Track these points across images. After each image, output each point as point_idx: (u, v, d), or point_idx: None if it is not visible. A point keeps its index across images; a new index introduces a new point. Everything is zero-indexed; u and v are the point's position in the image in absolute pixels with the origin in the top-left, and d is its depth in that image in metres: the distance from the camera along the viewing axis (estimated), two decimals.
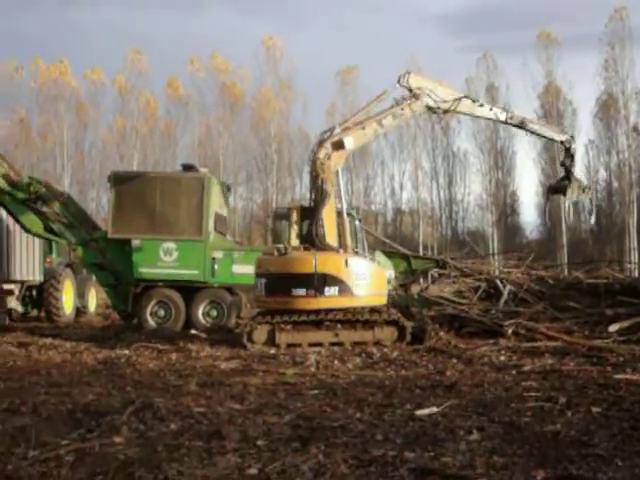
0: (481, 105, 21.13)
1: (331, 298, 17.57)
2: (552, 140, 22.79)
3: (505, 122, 21.60)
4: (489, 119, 22.38)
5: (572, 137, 22.20)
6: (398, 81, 19.64)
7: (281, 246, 18.31)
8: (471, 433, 8.45)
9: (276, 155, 73.88)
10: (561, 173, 23.33)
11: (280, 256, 18.07)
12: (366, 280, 17.93)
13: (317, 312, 17.54)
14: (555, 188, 23.15)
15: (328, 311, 17.59)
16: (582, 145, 78.15)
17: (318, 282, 17.53)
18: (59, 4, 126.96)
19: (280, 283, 17.94)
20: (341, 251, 18.05)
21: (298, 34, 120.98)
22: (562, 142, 21.62)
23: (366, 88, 74.69)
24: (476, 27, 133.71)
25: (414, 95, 19.58)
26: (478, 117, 21.80)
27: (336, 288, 17.56)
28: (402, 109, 19.65)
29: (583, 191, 21.77)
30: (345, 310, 17.69)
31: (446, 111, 20.19)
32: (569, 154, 21.81)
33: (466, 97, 20.70)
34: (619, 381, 11.97)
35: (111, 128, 78.49)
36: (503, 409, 9.82)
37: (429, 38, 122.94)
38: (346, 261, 17.74)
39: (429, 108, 20.01)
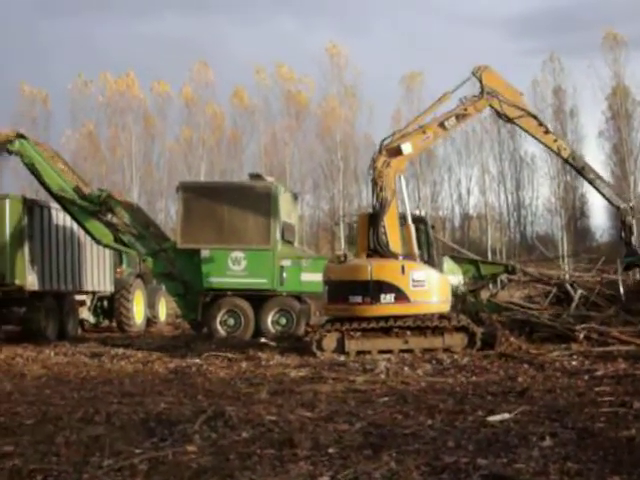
0: (546, 132, 20.34)
1: (387, 305, 17.60)
2: (609, 202, 20.83)
3: (565, 160, 20.66)
4: (549, 148, 21.16)
5: (632, 208, 20.38)
6: (473, 72, 19.47)
7: (341, 253, 18.41)
8: (544, 439, 8.36)
9: (342, 162, 73.84)
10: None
11: (340, 264, 18.16)
12: (425, 287, 17.87)
13: (382, 319, 17.54)
14: (626, 266, 21.24)
15: (391, 318, 17.57)
16: None
17: (374, 289, 17.57)
18: (128, 17, 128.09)
19: (339, 290, 18.07)
20: (401, 258, 18.03)
21: (361, 41, 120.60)
22: (618, 208, 20.19)
23: (431, 93, 74.49)
24: (541, 29, 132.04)
25: (481, 92, 19.39)
26: (538, 141, 20.68)
27: (392, 295, 17.57)
28: (465, 109, 19.47)
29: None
30: (414, 317, 17.65)
31: (509, 120, 19.85)
32: (625, 225, 20.04)
33: (534, 117, 20.22)
34: None
35: (178, 139, 79.10)
36: (576, 415, 9.72)
37: (493, 42, 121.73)
38: (402, 268, 17.72)
39: (494, 110, 19.79)
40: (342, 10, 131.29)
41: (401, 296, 17.65)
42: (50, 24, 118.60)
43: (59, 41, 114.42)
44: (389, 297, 17.63)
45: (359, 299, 17.73)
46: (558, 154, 20.67)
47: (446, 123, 19.40)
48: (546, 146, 20.97)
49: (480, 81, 19.44)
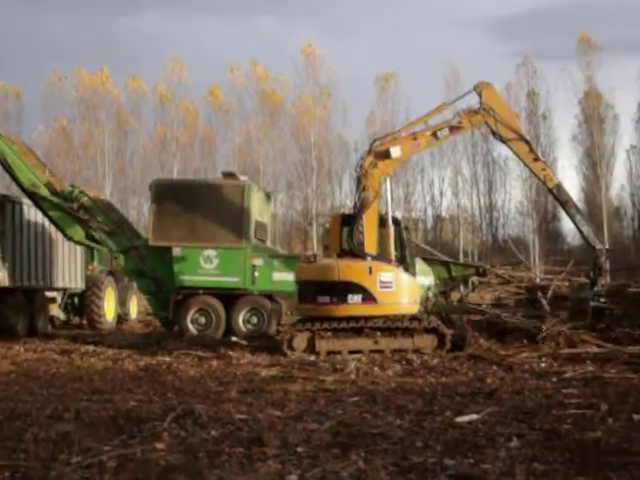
0: (536, 159, 20.36)
1: (354, 306, 17.69)
2: (585, 240, 20.77)
3: (550, 190, 20.56)
4: (536, 176, 21.33)
5: (607, 250, 20.72)
6: (474, 88, 19.57)
7: (311, 253, 18.49)
8: (511, 440, 8.43)
9: (316, 162, 73.80)
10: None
11: (309, 264, 18.24)
12: (392, 289, 17.95)
13: (353, 319, 17.61)
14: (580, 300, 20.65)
15: (358, 318, 17.65)
16: (624, 151, 77.63)
17: (341, 290, 17.65)
18: (102, 15, 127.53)
19: (308, 290, 18.15)
20: (369, 259, 18.12)
21: (338, 41, 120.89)
22: (594, 248, 20.18)
23: (406, 95, 74.81)
24: (517, 33, 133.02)
25: (479, 108, 19.48)
26: (526, 166, 20.62)
27: (359, 296, 17.65)
28: (460, 121, 19.55)
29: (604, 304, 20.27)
30: (383, 318, 17.73)
31: (502, 140, 19.89)
32: (597, 266, 20.08)
33: (527, 142, 20.22)
34: None
35: (152, 136, 78.88)
36: (544, 416, 9.80)
37: (470, 44, 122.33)
38: (370, 269, 17.80)
39: (489, 127, 19.82)
40: (321, 10, 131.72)
41: (368, 297, 17.73)
42: (27, 19, 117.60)
43: (35, 36, 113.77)
44: (356, 298, 17.71)
45: (327, 299, 17.82)
46: (544, 183, 20.56)
47: (439, 133, 19.51)
48: (533, 173, 21.07)
49: (480, 97, 19.54)
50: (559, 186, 20.18)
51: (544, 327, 18.29)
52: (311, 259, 18.54)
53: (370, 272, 17.81)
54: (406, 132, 19.68)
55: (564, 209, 20.42)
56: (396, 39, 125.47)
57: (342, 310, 17.75)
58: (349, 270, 17.82)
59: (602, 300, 19.28)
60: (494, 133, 19.75)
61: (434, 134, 19.47)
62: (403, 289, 18.29)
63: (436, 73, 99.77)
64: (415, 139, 19.34)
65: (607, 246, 20.66)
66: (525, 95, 76.57)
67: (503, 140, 19.81)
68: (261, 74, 77.88)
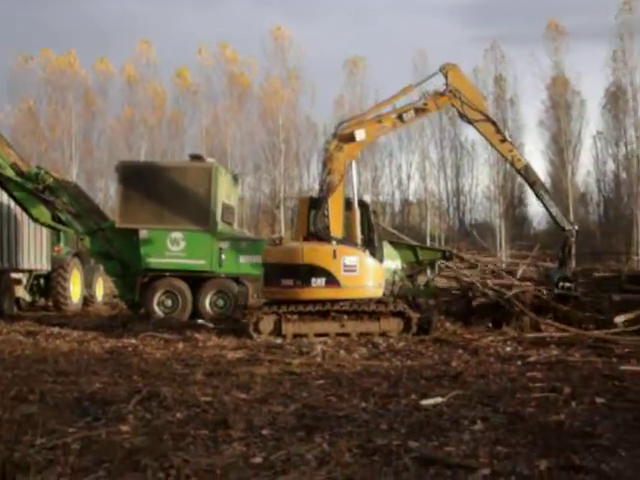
0: (503, 140, 20.16)
1: (318, 289, 17.72)
2: (554, 221, 20.74)
3: (518, 171, 20.57)
4: (504, 157, 21.24)
5: (577, 232, 20.32)
6: (440, 69, 19.53)
7: (277, 236, 18.49)
8: (475, 423, 8.49)
9: (284, 145, 73.72)
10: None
11: (275, 246, 18.26)
12: (356, 272, 17.98)
13: (314, 303, 17.66)
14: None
15: (322, 302, 17.69)
16: (590, 137, 78.17)
17: (305, 273, 17.68)
18: None
19: (274, 273, 18.16)
20: (334, 242, 18.13)
21: (308, 24, 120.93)
22: (563, 229, 20.04)
23: (374, 78, 74.90)
24: (485, 18, 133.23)
25: (445, 90, 19.45)
26: (493, 147, 20.60)
27: (323, 279, 17.69)
28: (426, 103, 19.52)
29: (569, 290, 20.32)
30: (351, 301, 17.78)
31: (468, 121, 19.88)
32: (566, 246, 20.04)
33: (494, 123, 20.20)
34: (624, 372, 12.03)
35: (119, 118, 78.49)
36: (508, 399, 9.86)
37: (439, 28, 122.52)
38: (334, 252, 17.82)
39: (455, 109, 19.81)
40: None
41: (332, 280, 17.76)
42: None
43: (1, 16, 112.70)
44: (320, 281, 17.74)
45: (291, 282, 17.84)
46: (512, 164, 20.54)
47: (404, 115, 19.45)
48: (501, 154, 21.00)
49: (446, 78, 19.50)
50: (527, 167, 20.16)
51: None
52: (277, 242, 18.54)
53: (334, 256, 17.82)
54: (372, 115, 19.66)
55: (532, 190, 20.38)
56: (365, 23, 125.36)
57: (306, 293, 17.78)
58: (313, 253, 17.84)
59: (567, 285, 19.36)
60: (460, 115, 19.75)
61: (399, 117, 19.43)
62: (367, 273, 18.31)
63: (404, 57, 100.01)
64: (380, 122, 19.32)
65: (576, 227, 20.60)
66: (493, 80, 76.93)
67: (470, 121, 19.78)
68: (230, 56, 77.69)
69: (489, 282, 20.03)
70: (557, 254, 20.54)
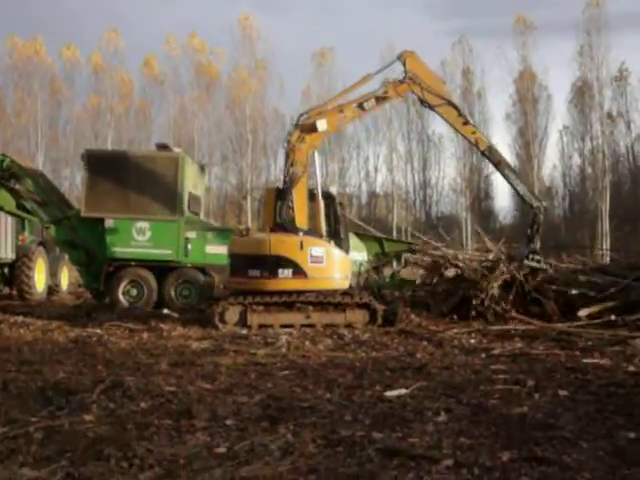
0: (465, 123, 20.38)
1: (285, 280, 17.72)
2: (522, 199, 20.99)
3: (482, 152, 20.62)
4: (467, 140, 21.23)
5: (545, 208, 20.74)
6: (398, 57, 19.58)
7: (244, 227, 18.47)
8: (439, 415, 8.52)
9: (251, 136, 73.51)
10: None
11: (242, 237, 18.23)
12: (323, 264, 18.00)
13: (280, 294, 17.66)
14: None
15: (286, 293, 17.71)
16: (556, 131, 78.71)
17: (272, 264, 17.67)
18: None
19: (240, 264, 18.12)
20: (301, 233, 18.12)
21: (276, 15, 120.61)
22: (532, 207, 20.27)
23: (342, 70, 74.95)
24: (454, 11, 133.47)
25: (404, 77, 19.50)
26: (456, 131, 20.70)
27: (290, 270, 17.70)
28: (386, 91, 19.55)
29: (538, 262, 20.50)
30: (317, 292, 17.79)
31: (430, 107, 19.92)
32: (535, 223, 20.25)
33: (455, 107, 20.30)
34: (586, 365, 12.11)
35: (86, 106, 77.96)
36: (471, 391, 9.90)
37: (407, 21, 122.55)
38: (301, 243, 17.82)
39: (416, 96, 19.85)
40: None
41: (299, 271, 17.76)
42: None
43: None
44: (287, 272, 17.74)
45: (257, 273, 17.82)
46: (476, 146, 20.60)
47: (365, 104, 19.46)
48: (464, 137, 21.03)
49: (404, 65, 19.54)
50: (491, 147, 20.33)
51: (474, 302, 18.53)
52: (244, 232, 18.50)
53: (301, 247, 17.83)
54: (333, 105, 19.64)
55: (498, 170, 20.45)
56: (334, 15, 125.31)
57: (273, 284, 17.77)
58: (280, 244, 17.82)
59: (537, 258, 19.51)
60: (421, 101, 19.80)
61: (360, 106, 19.44)
62: (334, 264, 18.35)
63: (372, 49, 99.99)
64: (342, 112, 19.31)
65: (544, 203, 20.77)
66: (460, 73, 77.08)
67: (431, 107, 19.87)
68: (197, 46, 77.38)
69: (459, 256, 20.23)
70: (526, 231, 20.64)
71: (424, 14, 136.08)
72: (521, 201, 21.65)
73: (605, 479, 6.30)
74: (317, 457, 6.89)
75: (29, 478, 6.32)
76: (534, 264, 19.41)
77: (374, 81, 19.81)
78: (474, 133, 20.35)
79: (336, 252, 18.50)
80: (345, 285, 18.67)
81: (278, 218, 18.60)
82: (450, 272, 20.18)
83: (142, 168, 23.25)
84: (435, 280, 20.52)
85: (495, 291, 18.77)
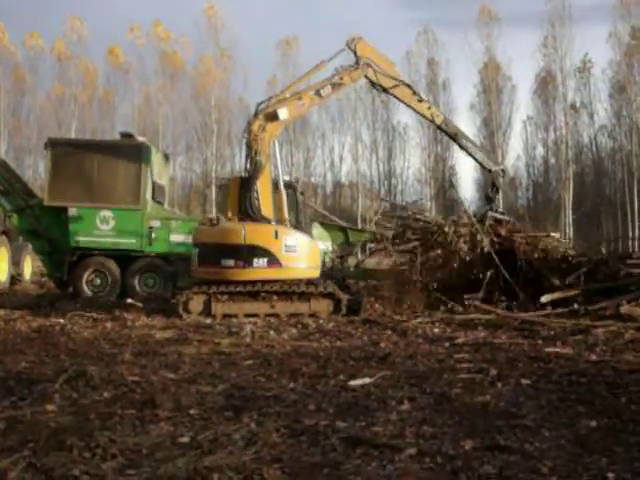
0: (420, 100, 20.87)
1: (259, 270, 17.68)
2: (481, 166, 21.88)
3: (439, 127, 21.13)
4: (423, 116, 21.74)
5: (503, 171, 21.73)
6: (347, 44, 19.67)
7: (214, 216, 18.40)
8: (402, 403, 8.53)
9: (216, 125, 73.43)
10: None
11: (212, 226, 18.13)
12: (296, 253, 18.02)
13: (250, 283, 17.62)
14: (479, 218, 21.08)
15: (262, 282, 17.67)
16: (520, 121, 79.22)
17: (246, 253, 17.63)
18: None
19: (211, 253, 18.04)
20: (273, 223, 18.11)
21: (240, 4, 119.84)
22: (490, 171, 21.16)
23: (307, 59, 74.73)
24: (419, 1, 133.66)
25: (357, 63, 19.60)
26: (413, 109, 21.01)
27: (265, 260, 17.66)
28: (341, 78, 19.65)
29: (502, 214, 21.04)
30: (281, 282, 17.78)
31: (384, 90, 20.11)
32: (494, 187, 21.14)
33: (408, 86, 20.57)
34: (549, 354, 12.16)
35: (49, 95, 77.51)
36: (435, 380, 9.92)
37: (372, 10, 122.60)
38: (276, 233, 17.82)
39: (369, 80, 20.02)
40: None
41: (273, 261, 17.73)
42: None
43: None
44: (261, 261, 17.69)
45: (231, 262, 17.73)
46: (432, 121, 20.99)
47: (322, 91, 19.51)
48: (420, 114, 21.41)
49: (355, 52, 19.64)
50: (445, 120, 21.13)
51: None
52: (214, 222, 18.39)
53: (276, 236, 17.81)
54: (290, 93, 19.66)
55: (456, 141, 21.12)
56: (298, 4, 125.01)
57: (248, 274, 17.72)
58: (255, 234, 17.77)
59: (500, 210, 20.05)
60: (374, 84, 20.04)
61: (317, 92, 19.52)
62: (306, 253, 18.37)
63: (337, 38, 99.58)
64: (300, 99, 19.36)
65: (502, 167, 21.40)
66: (425, 63, 77.40)
67: (385, 90, 20.11)
68: (162, 35, 77.15)
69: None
70: (486, 193, 21.23)
71: (389, 3, 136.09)
72: (480, 167, 22.28)
73: (567, 467, 6.32)
74: (281, 446, 6.88)
75: None
76: (497, 215, 20.07)
77: (329, 67, 19.98)
78: (429, 109, 21.06)
79: (308, 241, 18.54)
80: (316, 274, 18.70)
81: (243, 208, 18.55)
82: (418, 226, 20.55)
83: (106, 157, 23.14)
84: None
85: (463, 245, 19.20)
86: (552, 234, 21.07)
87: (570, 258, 19.59)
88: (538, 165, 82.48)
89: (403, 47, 74.04)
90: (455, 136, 20.85)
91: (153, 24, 77.45)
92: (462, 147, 20.86)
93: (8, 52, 76.53)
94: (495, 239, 19.62)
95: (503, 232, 19.85)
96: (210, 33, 74.86)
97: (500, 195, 21.33)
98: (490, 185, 21.22)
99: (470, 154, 20.93)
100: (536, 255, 19.29)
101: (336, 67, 19.89)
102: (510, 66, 76.17)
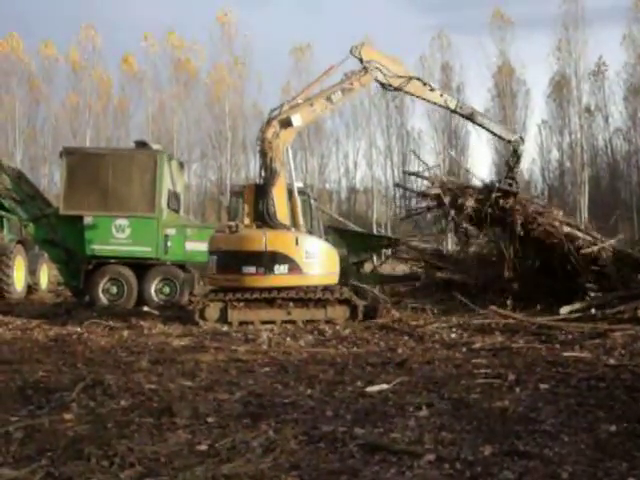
0: (432, 89, 20.81)
1: (281, 276, 17.61)
2: (500, 138, 22.09)
3: (454, 111, 21.21)
4: (438, 105, 21.76)
5: (522, 139, 21.81)
6: (351, 51, 19.63)
7: (233, 224, 18.31)
8: (420, 409, 8.51)
9: (230, 132, 73.58)
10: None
11: (231, 234, 18.07)
12: (317, 259, 17.98)
13: (268, 290, 17.58)
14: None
15: (280, 289, 17.63)
16: (535, 125, 79.20)
17: (268, 260, 17.56)
18: None
19: (231, 261, 17.94)
20: (293, 229, 18.09)
21: (256, 11, 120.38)
22: (510, 142, 21.34)
23: (320, 66, 74.84)
24: (433, 6, 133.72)
25: (364, 68, 19.59)
26: (427, 100, 21.14)
27: (286, 266, 17.60)
28: (351, 83, 19.61)
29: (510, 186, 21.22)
30: (298, 288, 17.74)
31: (396, 89, 20.11)
32: (516, 155, 21.41)
33: (417, 79, 20.56)
34: (567, 359, 12.12)
35: (64, 104, 77.80)
36: (452, 386, 9.89)
37: (386, 16, 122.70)
38: (296, 239, 17.78)
39: (379, 83, 20.02)
40: None
41: (294, 267, 17.68)
42: None
43: None
44: (283, 268, 17.64)
45: (252, 270, 17.67)
46: (447, 107, 21.15)
47: (332, 97, 19.49)
48: (435, 103, 21.49)
49: (360, 59, 19.63)
50: (459, 102, 21.32)
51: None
52: (234, 229, 18.32)
53: (297, 243, 17.77)
54: (302, 99, 19.63)
55: (472, 121, 21.38)
56: (313, 9, 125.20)
57: (269, 281, 17.65)
58: (276, 240, 17.70)
59: (509, 182, 20.25)
60: (384, 86, 20.07)
61: (328, 98, 19.51)
62: (326, 260, 18.32)
63: (351, 46, 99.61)
64: (311, 105, 19.34)
65: (521, 135, 21.63)
66: (439, 68, 77.36)
67: (397, 89, 20.16)
68: (176, 43, 77.31)
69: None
70: (506, 161, 21.65)
71: (402, 9, 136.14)
72: (499, 140, 22.59)
73: (587, 472, 6.30)
74: (299, 453, 6.87)
75: (9, 478, 6.28)
76: (505, 187, 20.38)
77: (340, 72, 19.97)
78: (442, 95, 21.14)
79: (327, 247, 18.51)
80: (335, 280, 18.62)
81: (259, 214, 18.51)
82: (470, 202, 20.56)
83: (121, 165, 23.17)
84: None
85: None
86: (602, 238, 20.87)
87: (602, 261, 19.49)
88: (553, 169, 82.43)
89: (417, 52, 73.96)
90: (471, 115, 21.10)
91: (167, 32, 77.74)
92: (479, 124, 21.22)
93: (22, 62, 76.83)
94: (497, 211, 19.82)
95: (508, 205, 19.96)
96: (224, 40, 75.13)
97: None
98: (512, 153, 21.50)
99: (488, 129, 21.41)
100: (557, 239, 19.27)
101: (345, 72, 19.87)
102: (524, 70, 76.31)
